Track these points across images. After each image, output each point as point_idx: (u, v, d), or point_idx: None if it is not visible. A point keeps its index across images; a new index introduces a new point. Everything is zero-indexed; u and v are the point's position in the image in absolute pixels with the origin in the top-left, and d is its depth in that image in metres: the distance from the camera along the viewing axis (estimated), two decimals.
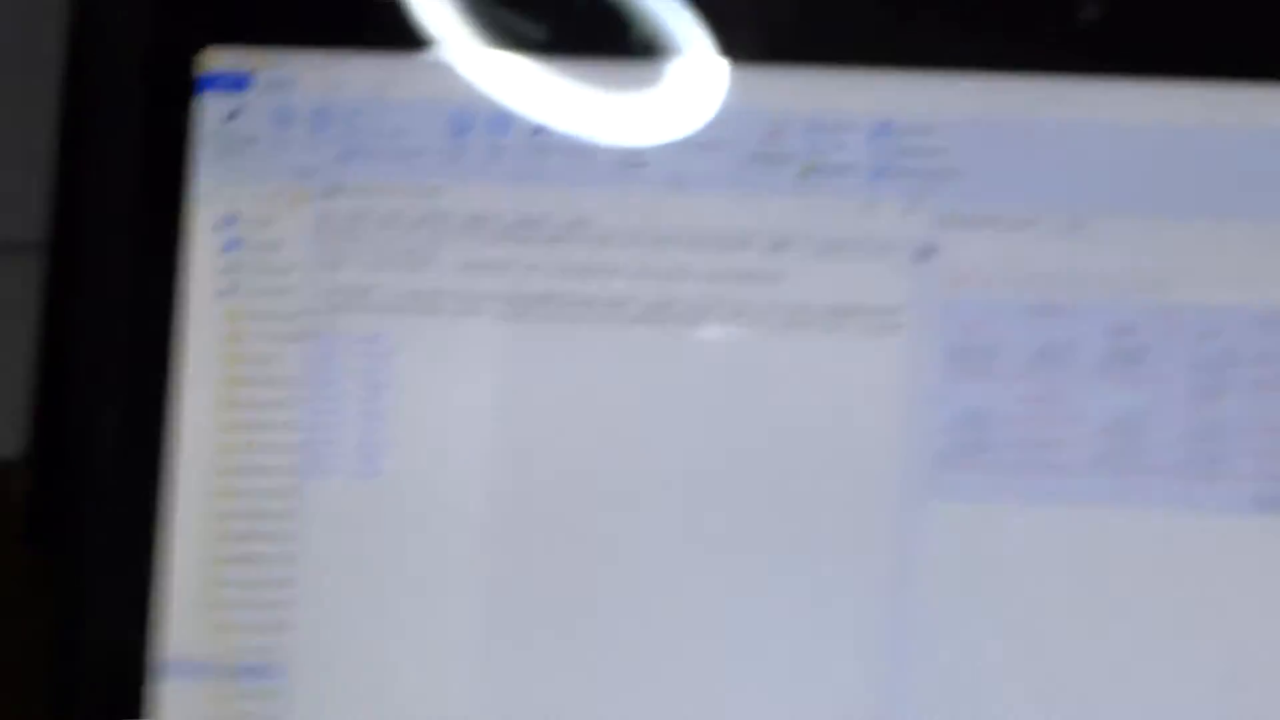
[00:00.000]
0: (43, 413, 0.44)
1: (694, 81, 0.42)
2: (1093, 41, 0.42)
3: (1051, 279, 0.41)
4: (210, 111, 0.42)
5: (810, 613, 0.41)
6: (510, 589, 0.41)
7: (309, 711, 0.41)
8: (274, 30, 0.42)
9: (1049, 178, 0.42)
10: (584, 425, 0.41)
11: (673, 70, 0.42)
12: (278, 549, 0.41)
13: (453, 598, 0.41)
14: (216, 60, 0.42)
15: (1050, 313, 0.41)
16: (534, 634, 0.41)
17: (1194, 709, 0.40)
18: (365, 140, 0.42)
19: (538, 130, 0.42)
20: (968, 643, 0.40)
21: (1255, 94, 0.42)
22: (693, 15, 0.42)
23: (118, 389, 0.42)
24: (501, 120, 0.42)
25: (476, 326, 0.41)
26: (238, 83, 0.42)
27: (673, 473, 0.41)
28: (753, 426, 0.41)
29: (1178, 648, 0.40)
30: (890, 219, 0.42)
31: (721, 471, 0.41)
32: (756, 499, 0.41)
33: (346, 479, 0.41)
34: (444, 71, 0.42)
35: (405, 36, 0.42)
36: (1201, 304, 0.41)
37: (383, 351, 0.41)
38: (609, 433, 0.41)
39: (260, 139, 0.42)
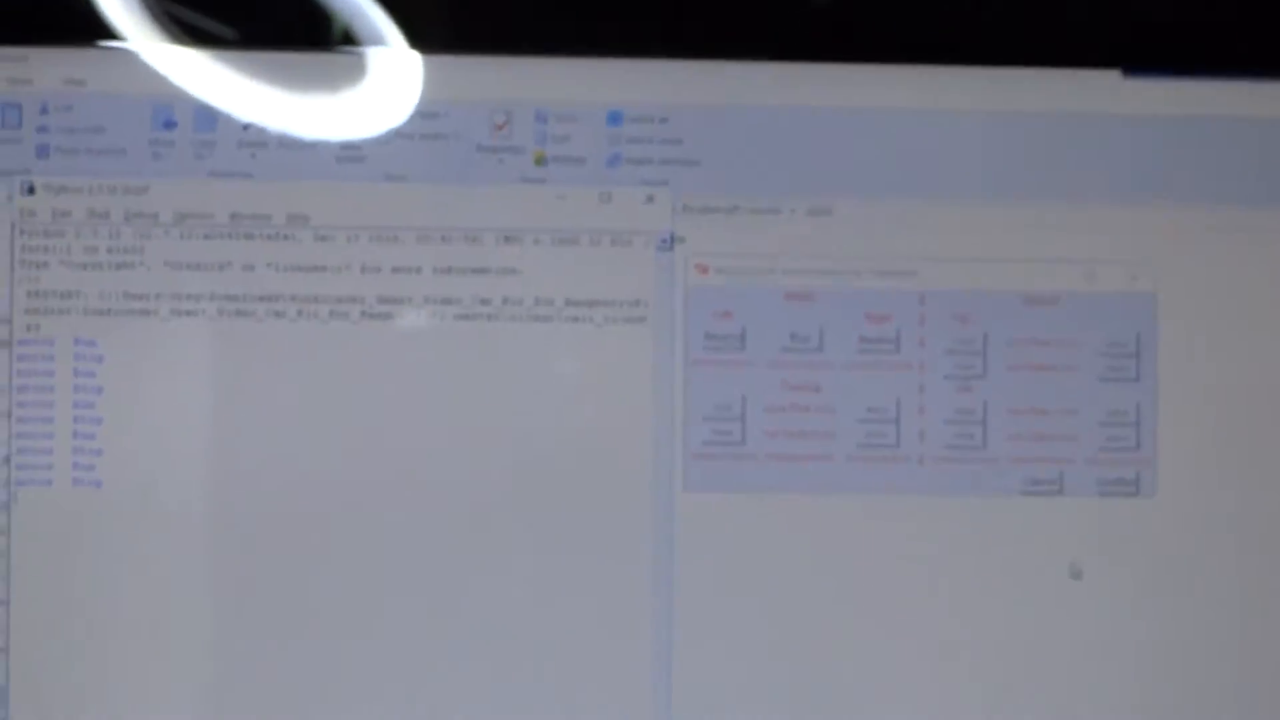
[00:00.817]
0: None
1: (413, 73, 0.39)
2: (827, 25, 0.40)
3: (800, 266, 0.40)
4: None
5: (571, 609, 0.40)
6: (243, 603, 0.39)
7: None
8: None
9: (790, 164, 0.40)
10: (316, 430, 0.40)
11: (390, 61, 0.40)
12: None
13: (182, 613, 0.39)
14: None
15: (801, 300, 0.40)
16: (270, 649, 0.39)
17: (958, 690, 0.40)
18: (62, 137, 0.39)
19: (248, 125, 0.39)
20: (732, 637, 0.40)
21: (992, 77, 0.41)
22: (414, 5, 0.40)
23: None
24: (208, 115, 0.39)
25: (194, 328, 0.39)
26: None
27: (415, 477, 0.40)
28: (500, 425, 0.40)
29: (953, 634, 0.40)
30: (630, 209, 0.40)
31: (469, 473, 0.40)
32: (508, 499, 0.40)
33: (62, 492, 0.39)
34: (143, 65, 0.39)
35: (98, 29, 0.39)
36: (953, 288, 0.40)
37: (94, 356, 0.39)
38: (343, 436, 0.40)
39: None
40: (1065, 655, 0.40)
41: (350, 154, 0.40)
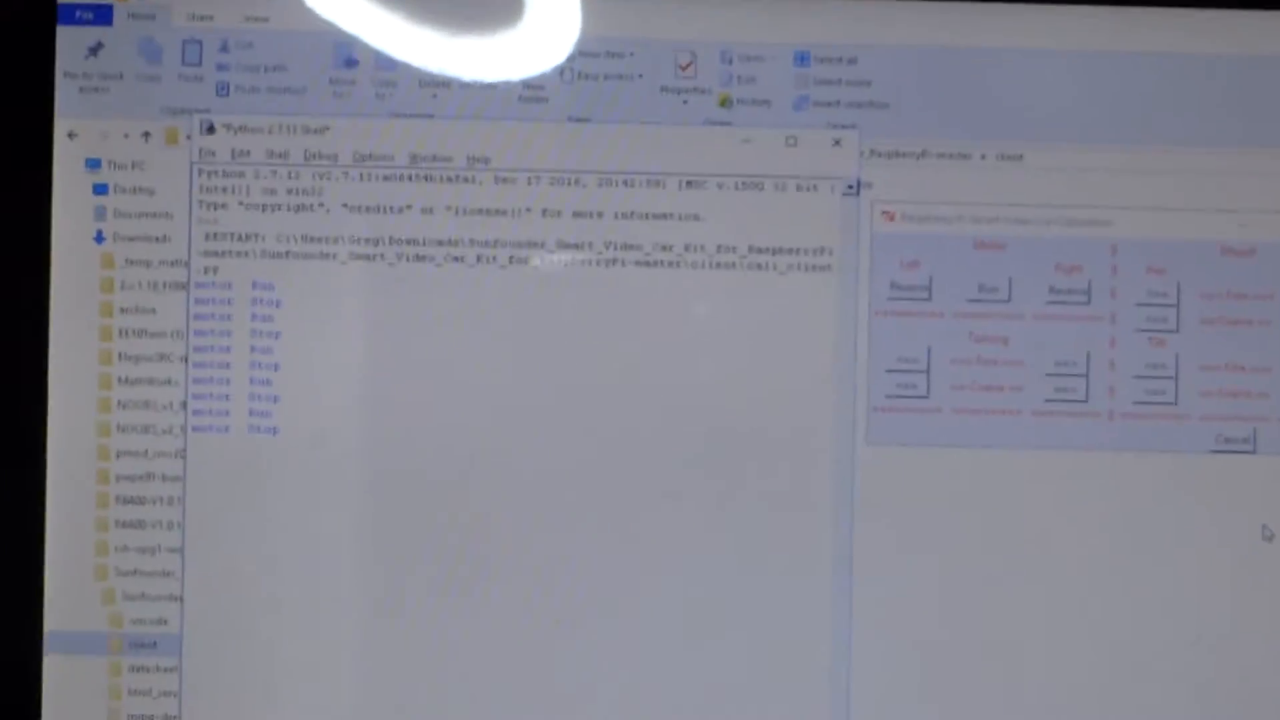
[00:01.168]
0: None
1: (598, 11, 0.39)
2: None
3: (990, 214, 0.39)
4: (69, 46, 0.39)
5: (749, 560, 0.39)
6: (418, 556, 0.39)
7: (203, 684, 0.39)
8: None
9: (981, 108, 0.39)
10: (495, 375, 0.39)
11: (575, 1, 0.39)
12: (165, 513, 0.39)
13: (353, 563, 0.39)
14: None
15: (990, 249, 0.39)
16: (436, 599, 0.39)
17: (1143, 652, 0.39)
18: (242, 75, 0.39)
19: (429, 63, 0.39)
20: (912, 592, 0.39)
21: (1186, 19, 0.39)
22: None
23: None
24: (389, 53, 0.39)
25: (372, 273, 0.39)
26: (99, 14, 0.38)
27: (592, 424, 0.39)
28: (680, 371, 0.39)
29: (1139, 593, 0.39)
30: (816, 153, 0.39)
31: (646, 422, 0.39)
32: (686, 448, 0.39)
33: (237, 437, 0.39)
34: (326, 3, 0.39)
35: None
36: (1148, 238, 0.39)
37: (272, 300, 0.39)
38: (523, 382, 0.39)
39: (127, 74, 0.39)
40: (1254, 617, 0.39)
41: (533, 94, 0.39)
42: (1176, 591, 0.39)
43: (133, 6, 0.39)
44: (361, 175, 0.39)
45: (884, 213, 0.39)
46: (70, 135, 0.39)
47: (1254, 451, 0.39)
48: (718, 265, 0.39)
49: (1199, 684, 0.39)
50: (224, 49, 0.39)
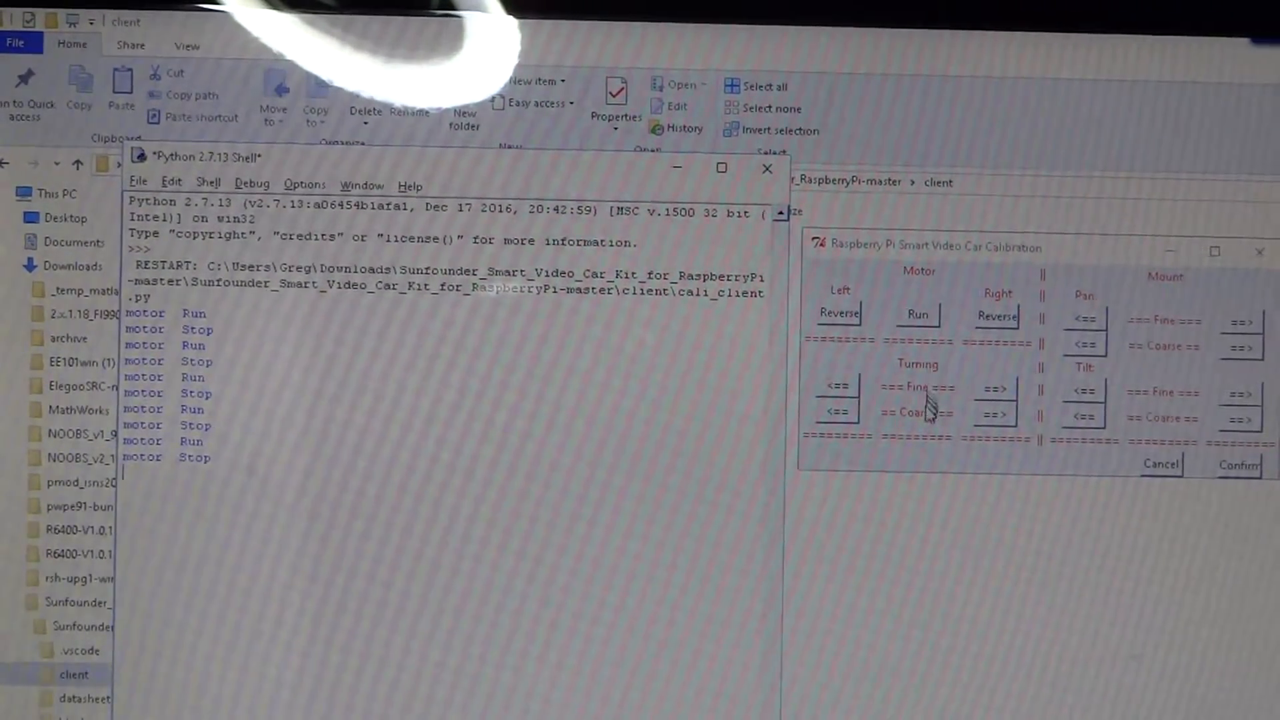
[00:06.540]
0: None
1: (528, 38, 0.39)
2: None
3: (919, 239, 0.39)
4: None
5: (682, 586, 0.39)
6: (349, 580, 0.39)
7: (135, 713, 0.39)
8: None
9: (910, 134, 0.39)
10: (427, 402, 0.39)
11: (505, 26, 0.39)
12: (96, 542, 0.38)
13: (285, 592, 0.39)
14: (1, 19, 0.39)
15: (919, 274, 0.39)
16: (372, 626, 0.39)
17: (1085, 673, 0.40)
18: (173, 103, 0.39)
19: (361, 90, 0.39)
20: (843, 617, 0.39)
21: (1116, 46, 0.40)
22: None
23: None
24: (321, 80, 0.39)
25: (303, 300, 0.39)
26: (29, 42, 0.38)
27: (523, 452, 0.39)
28: (611, 397, 0.39)
29: (1069, 617, 0.39)
30: (747, 179, 0.39)
31: (578, 450, 0.39)
32: (619, 476, 0.39)
33: (169, 466, 0.39)
34: (257, 30, 0.39)
35: None
36: (1076, 264, 0.39)
37: (203, 328, 0.39)
38: (455, 409, 0.39)
39: (57, 102, 0.39)
40: (1180, 640, 0.39)
41: (464, 121, 0.39)
42: (1105, 612, 0.39)
43: (63, 34, 0.39)
44: (293, 203, 0.39)
45: (814, 238, 0.39)
46: (0, 163, 0.38)
47: (1182, 475, 0.39)
48: (649, 291, 0.39)
49: (1133, 701, 0.39)
50: (155, 76, 0.39)
